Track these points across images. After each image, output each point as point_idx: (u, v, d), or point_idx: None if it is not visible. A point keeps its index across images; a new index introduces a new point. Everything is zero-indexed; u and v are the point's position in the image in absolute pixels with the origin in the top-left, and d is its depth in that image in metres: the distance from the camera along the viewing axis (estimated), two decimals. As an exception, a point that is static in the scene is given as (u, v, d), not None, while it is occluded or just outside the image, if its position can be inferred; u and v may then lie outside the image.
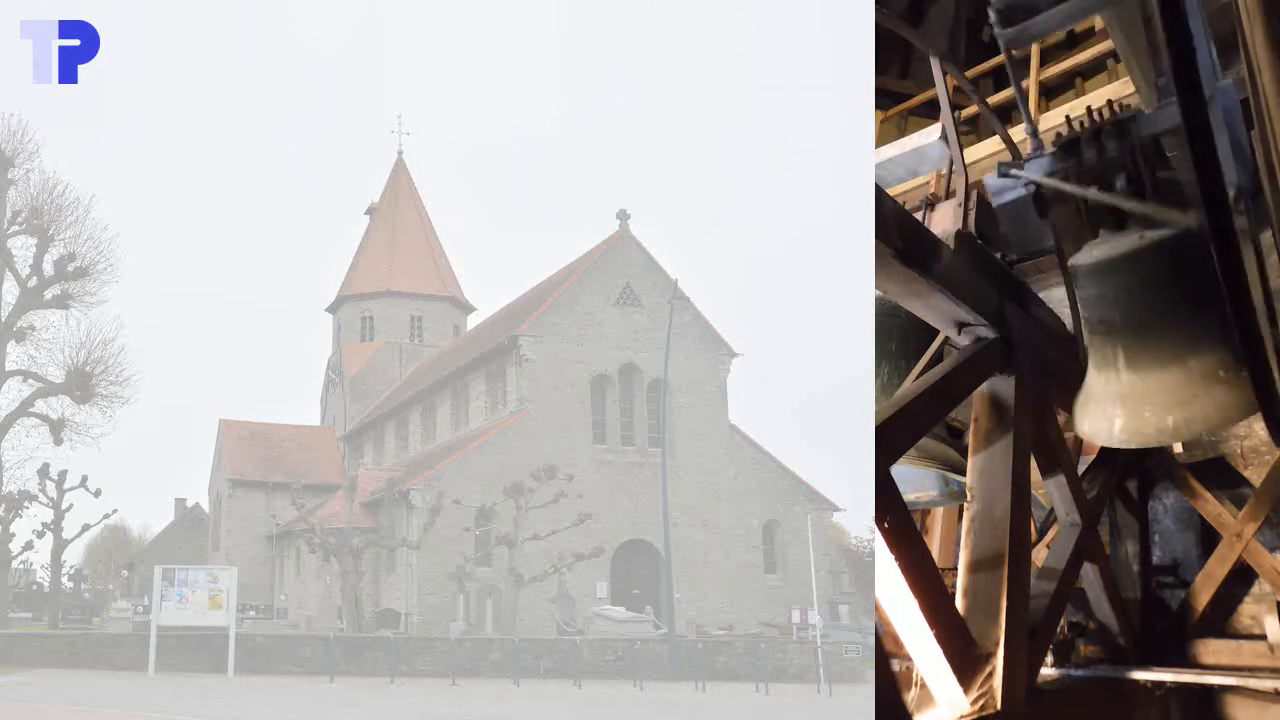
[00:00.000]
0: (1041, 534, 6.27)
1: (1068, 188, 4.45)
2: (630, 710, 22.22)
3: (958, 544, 5.81)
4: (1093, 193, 4.42)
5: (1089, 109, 4.50)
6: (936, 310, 4.61)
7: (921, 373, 4.78)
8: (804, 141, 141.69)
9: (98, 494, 36.05)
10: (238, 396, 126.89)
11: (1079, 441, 6.30)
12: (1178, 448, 6.48)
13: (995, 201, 4.73)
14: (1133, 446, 5.01)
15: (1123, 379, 4.56)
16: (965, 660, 4.30)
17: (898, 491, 4.08)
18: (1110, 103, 4.51)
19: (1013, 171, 4.62)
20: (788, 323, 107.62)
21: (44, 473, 35.18)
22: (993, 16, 3.86)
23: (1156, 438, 4.60)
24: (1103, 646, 5.95)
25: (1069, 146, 4.51)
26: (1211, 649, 5.86)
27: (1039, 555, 5.86)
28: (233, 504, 50.53)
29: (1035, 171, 4.58)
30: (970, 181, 5.15)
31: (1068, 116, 4.65)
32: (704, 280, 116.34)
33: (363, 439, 55.29)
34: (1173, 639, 5.99)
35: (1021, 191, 4.62)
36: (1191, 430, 4.59)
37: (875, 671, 3.90)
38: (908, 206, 4.82)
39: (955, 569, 4.84)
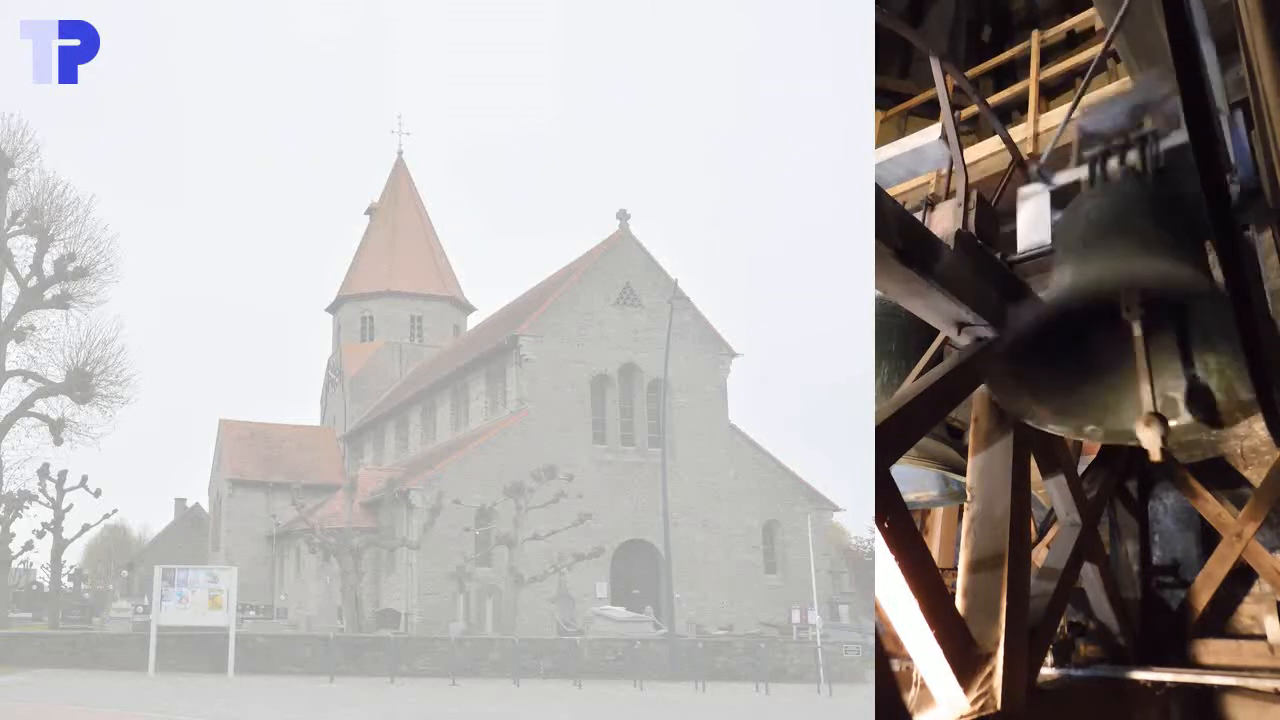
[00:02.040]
0: (1041, 534, 6.27)
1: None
2: (630, 710, 22.22)
3: (958, 544, 5.81)
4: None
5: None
6: (936, 310, 4.60)
7: (921, 373, 4.78)
8: (804, 141, 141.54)
9: (98, 494, 36.05)
10: (238, 396, 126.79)
11: (1079, 442, 6.30)
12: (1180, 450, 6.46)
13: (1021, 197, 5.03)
14: None
15: None
16: (965, 660, 4.30)
17: (898, 491, 4.08)
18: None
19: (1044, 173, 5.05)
20: (788, 323, 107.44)
21: (44, 473, 35.15)
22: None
23: None
24: (1103, 646, 5.95)
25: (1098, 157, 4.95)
26: (1211, 649, 5.86)
27: (1039, 555, 5.86)
28: (233, 504, 50.50)
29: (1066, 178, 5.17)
30: (970, 181, 5.16)
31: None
32: (704, 280, 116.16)
33: (363, 439, 55.28)
34: (1173, 639, 5.99)
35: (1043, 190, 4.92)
36: None
37: (875, 671, 3.90)
38: (908, 206, 4.83)
39: (955, 569, 4.84)
